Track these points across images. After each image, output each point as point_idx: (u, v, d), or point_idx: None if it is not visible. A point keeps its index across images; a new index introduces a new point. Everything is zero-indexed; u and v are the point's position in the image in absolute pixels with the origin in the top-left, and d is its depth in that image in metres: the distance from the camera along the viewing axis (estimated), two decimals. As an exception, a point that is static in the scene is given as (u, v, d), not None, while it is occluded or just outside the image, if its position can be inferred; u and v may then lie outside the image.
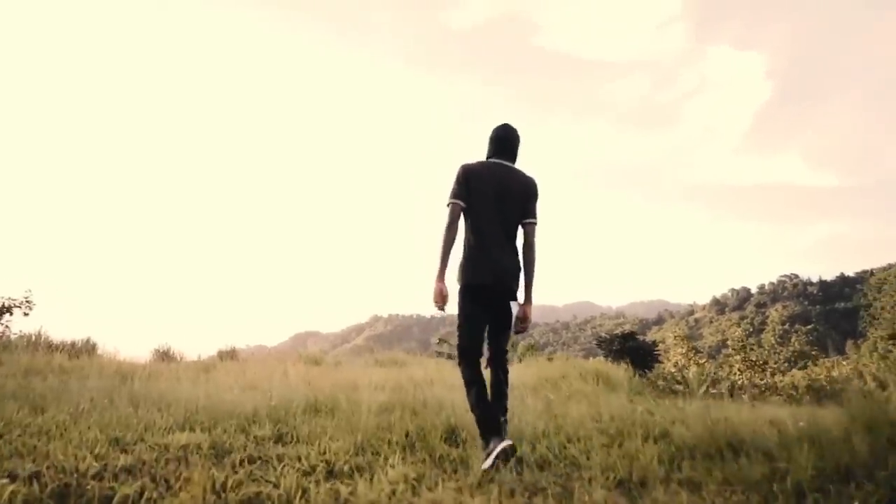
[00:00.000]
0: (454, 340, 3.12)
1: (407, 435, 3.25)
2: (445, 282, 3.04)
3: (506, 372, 3.09)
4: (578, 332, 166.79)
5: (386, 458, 2.70)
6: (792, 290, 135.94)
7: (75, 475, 2.15)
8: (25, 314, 9.46)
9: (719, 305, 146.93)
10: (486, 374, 3.02)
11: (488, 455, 2.59)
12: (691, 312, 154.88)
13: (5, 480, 1.96)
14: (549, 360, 12.91)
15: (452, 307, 3.12)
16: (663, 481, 2.36)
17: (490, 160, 3.25)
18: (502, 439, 2.65)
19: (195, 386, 5.44)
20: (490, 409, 2.85)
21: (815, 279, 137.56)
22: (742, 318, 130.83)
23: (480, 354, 3.06)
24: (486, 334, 3.08)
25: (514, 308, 3.07)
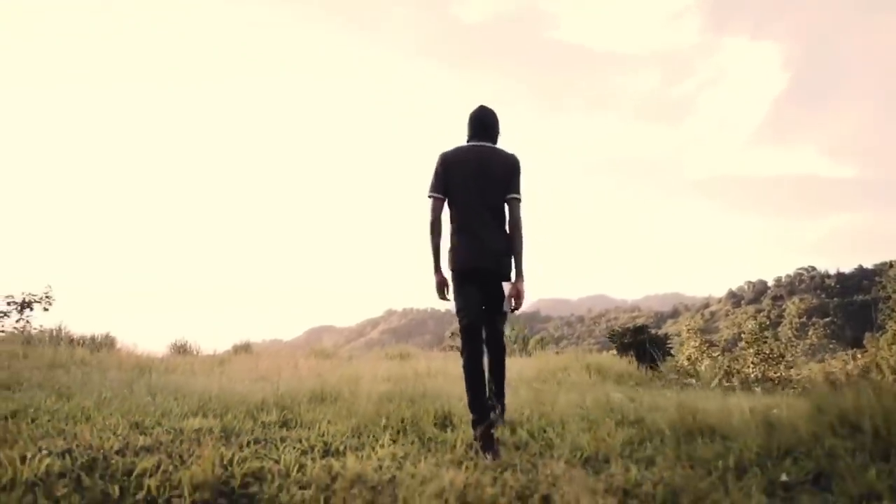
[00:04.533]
0: (457, 324, 3.18)
1: (402, 421, 3.52)
2: (442, 272, 3.20)
3: (503, 349, 3.25)
4: (593, 325, 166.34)
5: (378, 440, 2.97)
6: (809, 282, 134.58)
7: (101, 451, 2.45)
8: (45, 309, 9.76)
9: (735, 298, 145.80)
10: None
11: (479, 437, 2.77)
12: (707, 305, 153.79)
13: (42, 454, 2.26)
14: (557, 353, 13.15)
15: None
16: (624, 458, 2.62)
17: (467, 144, 3.32)
18: (492, 420, 2.86)
19: (209, 378, 5.75)
20: (482, 391, 2.94)
21: (832, 271, 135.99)
22: (758, 310, 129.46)
23: (482, 328, 3.11)
24: (483, 324, 3.12)
25: (507, 288, 3.14)
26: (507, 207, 3.21)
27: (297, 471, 2.36)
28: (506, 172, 3.20)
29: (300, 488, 2.13)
